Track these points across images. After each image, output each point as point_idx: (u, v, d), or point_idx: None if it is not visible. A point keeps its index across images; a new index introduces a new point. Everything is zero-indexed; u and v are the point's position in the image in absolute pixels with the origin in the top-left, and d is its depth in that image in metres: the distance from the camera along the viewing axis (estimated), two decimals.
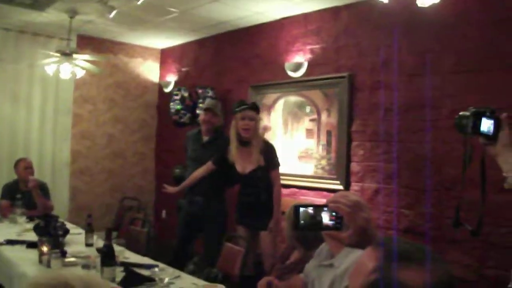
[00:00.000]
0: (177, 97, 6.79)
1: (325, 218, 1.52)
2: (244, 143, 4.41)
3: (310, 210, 1.53)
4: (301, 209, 1.53)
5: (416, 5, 3.66)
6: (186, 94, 6.84)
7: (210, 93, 6.63)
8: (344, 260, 2.11)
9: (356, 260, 1.23)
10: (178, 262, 4.25)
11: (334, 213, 1.51)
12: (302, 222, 1.53)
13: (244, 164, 4.42)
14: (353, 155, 5.10)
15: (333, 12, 5.41)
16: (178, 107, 6.72)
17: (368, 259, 1.13)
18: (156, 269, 3.17)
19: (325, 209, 1.52)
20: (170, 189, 4.83)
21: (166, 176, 7.50)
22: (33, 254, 3.46)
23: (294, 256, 2.94)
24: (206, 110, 4.76)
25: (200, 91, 6.64)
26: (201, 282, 2.99)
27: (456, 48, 4.30)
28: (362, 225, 1.47)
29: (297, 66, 5.68)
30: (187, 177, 4.89)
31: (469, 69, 4.21)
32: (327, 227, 1.53)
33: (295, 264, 2.70)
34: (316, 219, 1.53)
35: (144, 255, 3.80)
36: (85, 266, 3.17)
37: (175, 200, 6.59)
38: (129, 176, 8.05)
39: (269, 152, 4.40)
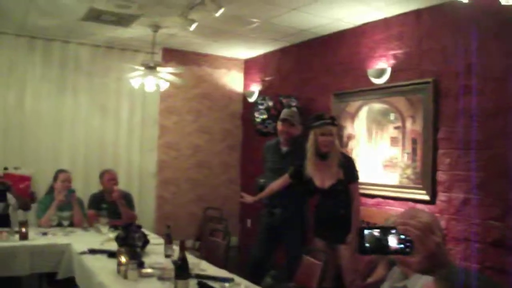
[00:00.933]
0: (262, 107, 6.84)
1: (393, 241, 1.45)
2: (322, 156, 4.35)
3: (376, 232, 1.46)
4: (366, 231, 1.47)
5: (502, 4, 3.47)
6: (271, 104, 6.88)
7: (295, 103, 6.62)
8: (418, 282, 2.03)
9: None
10: (257, 275, 4.25)
11: (402, 236, 1.45)
12: (367, 245, 1.46)
13: (323, 178, 4.37)
14: (439, 164, 4.93)
15: (415, 15, 5.26)
16: (264, 116, 6.76)
17: None
18: (227, 284, 3.17)
19: (393, 231, 1.46)
20: (248, 198, 4.87)
21: (251, 186, 7.53)
22: (113, 264, 3.55)
23: (377, 274, 2.82)
24: (283, 120, 4.75)
25: (284, 100, 6.65)
26: None
27: None
28: (432, 250, 1.39)
29: (380, 73, 5.57)
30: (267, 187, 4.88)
31: None
32: (395, 252, 1.46)
33: (377, 282, 2.61)
34: (381, 243, 1.46)
35: (222, 267, 3.81)
36: (161, 278, 3.23)
37: (259, 210, 6.63)
38: (214, 186, 8.17)
39: (348, 165, 4.33)
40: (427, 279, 1.51)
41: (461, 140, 4.72)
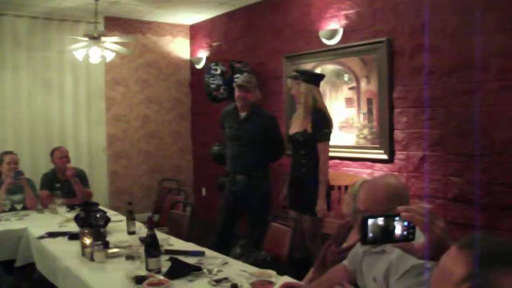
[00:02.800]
0: (216, 72, 6.73)
1: (397, 229, 1.43)
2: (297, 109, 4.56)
3: (381, 221, 1.43)
4: (370, 221, 1.43)
5: None
6: (224, 69, 6.79)
7: (247, 67, 6.56)
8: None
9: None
10: (223, 245, 4.24)
11: (406, 223, 1.42)
12: (371, 235, 1.44)
13: (294, 127, 4.49)
14: (396, 123, 5.00)
15: None
16: (218, 82, 6.70)
17: (454, 264, 1.01)
18: (202, 257, 3.15)
19: (397, 218, 1.43)
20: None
21: (204, 154, 7.53)
22: (75, 246, 3.47)
23: (352, 238, 2.82)
24: (239, 87, 4.70)
25: (236, 65, 6.58)
26: (251, 268, 2.94)
27: (502, 4, 4.12)
28: (439, 235, 1.37)
29: (332, 33, 5.56)
30: (228, 156, 4.86)
31: None
32: (398, 239, 1.44)
33: (352, 247, 2.61)
34: (386, 231, 1.43)
35: (187, 240, 3.78)
36: (129, 257, 3.17)
37: (215, 178, 6.61)
38: (167, 157, 8.12)
39: (317, 121, 4.33)
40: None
41: (417, 98, 4.79)
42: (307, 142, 4.35)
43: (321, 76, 4.60)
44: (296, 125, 4.45)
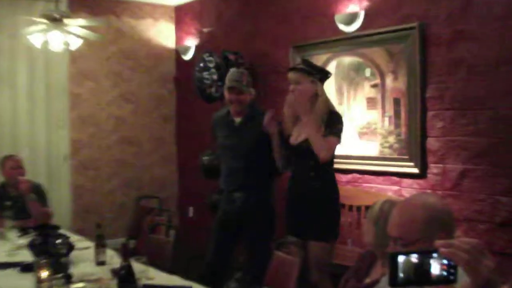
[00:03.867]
0: (212, 64, 6.72)
1: (434, 268, 1.43)
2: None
3: (414, 258, 1.43)
4: (401, 257, 1.44)
5: None
6: (219, 61, 6.74)
7: (244, 60, 6.57)
8: None
9: None
10: (215, 279, 4.21)
11: (445, 261, 1.42)
12: (402, 275, 1.44)
13: (298, 133, 4.37)
14: (429, 129, 4.97)
15: None
16: (214, 77, 6.65)
17: None
18: None
19: (435, 255, 1.43)
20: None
21: (192, 166, 7.49)
22: (29, 280, 3.34)
23: (376, 272, 2.80)
24: (230, 89, 4.68)
25: (231, 57, 6.57)
26: None
27: None
28: (486, 276, 1.35)
29: (351, 18, 5.55)
30: (222, 169, 4.84)
31: None
32: (436, 281, 1.44)
33: (376, 283, 2.58)
34: (421, 271, 1.44)
35: (170, 272, 3.73)
36: None
37: (205, 195, 6.58)
38: (146, 168, 8.10)
39: (330, 119, 4.27)
40: None
41: (456, 98, 4.76)
42: None
43: (330, 74, 4.57)
44: (302, 132, 4.36)
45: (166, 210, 5.86)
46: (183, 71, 7.96)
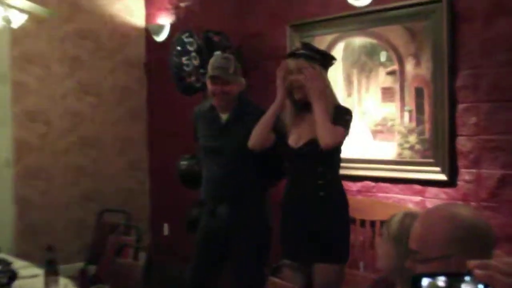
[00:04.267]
0: (192, 47, 6.68)
1: None
2: (301, 107, 4.36)
3: (442, 282, 1.42)
4: (426, 281, 1.43)
5: None
6: (201, 43, 6.72)
7: (229, 42, 6.57)
8: None
9: None
10: None
11: (481, 286, 1.40)
12: None
13: (299, 135, 4.35)
14: (460, 126, 4.95)
15: None
16: (195, 62, 6.62)
17: None
18: None
19: (467, 278, 1.41)
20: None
21: (167, 173, 7.47)
22: None
23: None
24: (213, 78, 4.67)
25: (215, 38, 6.56)
26: None
27: None
28: None
29: None
30: (205, 177, 4.86)
31: None
32: None
33: None
34: None
35: None
36: None
37: (183, 209, 6.58)
38: (109, 177, 8.09)
39: (337, 112, 4.28)
40: None
41: (493, 87, 4.75)
42: (326, 155, 4.26)
43: (334, 60, 4.57)
44: (304, 131, 4.35)
45: (135, 227, 5.81)
46: (155, 56, 7.98)
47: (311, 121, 4.25)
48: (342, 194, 4.35)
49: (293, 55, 4.42)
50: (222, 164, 4.69)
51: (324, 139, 4.09)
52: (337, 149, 4.30)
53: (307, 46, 4.54)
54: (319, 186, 4.27)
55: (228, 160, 4.67)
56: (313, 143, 4.22)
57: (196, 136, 4.95)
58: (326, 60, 4.42)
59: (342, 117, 4.26)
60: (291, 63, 4.33)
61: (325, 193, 4.27)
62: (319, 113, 4.12)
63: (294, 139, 4.35)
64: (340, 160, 4.35)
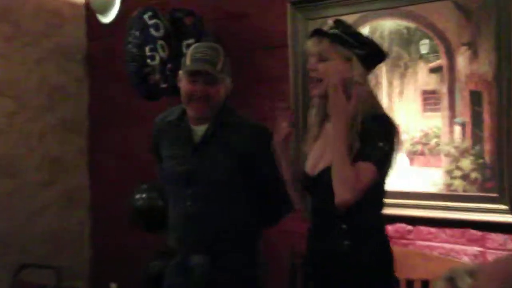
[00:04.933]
0: (158, 33, 6.62)
1: None
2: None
3: None
4: None
5: None
6: (169, 27, 6.73)
7: (204, 25, 6.60)
8: None
9: None
10: None
11: None
12: None
13: (318, 157, 4.31)
14: None
15: None
16: (163, 54, 6.55)
17: None
18: None
19: None
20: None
21: (116, 210, 7.42)
22: None
23: None
24: (193, 75, 4.65)
25: (188, 19, 6.54)
26: None
27: None
28: None
29: None
30: (172, 216, 4.88)
31: None
32: None
33: None
34: None
35: None
36: None
37: (139, 260, 6.58)
38: (32, 215, 8.04)
39: (371, 130, 4.14)
40: None
41: None
42: None
43: (384, 57, 4.44)
44: (325, 151, 4.29)
45: None
46: (101, 44, 8.02)
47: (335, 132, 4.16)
48: (382, 244, 4.28)
49: (317, 33, 4.32)
50: (196, 198, 4.68)
51: (339, 193, 3.99)
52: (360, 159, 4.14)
53: (343, 25, 4.36)
54: (342, 233, 4.22)
55: (205, 192, 4.67)
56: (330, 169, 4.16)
57: (158, 158, 4.96)
58: (370, 49, 4.25)
59: (374, 142, 4.10)
60: (311, 43, 4.26)
61: (352, 244, 4.21)
62: (336, 145, 4.00)
63: (312, 163, 4.33)
64: (381, 190, 4.22)
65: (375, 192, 4.16)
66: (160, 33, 6.54)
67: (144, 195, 6.44)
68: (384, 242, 4.27)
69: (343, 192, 3.93)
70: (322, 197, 4.26)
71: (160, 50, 6.46)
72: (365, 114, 4.11)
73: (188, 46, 6.05)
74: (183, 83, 4.66)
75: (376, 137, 4.08)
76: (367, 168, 4.02)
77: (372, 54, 4.25)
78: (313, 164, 4.30)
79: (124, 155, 7.68)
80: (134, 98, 6.76)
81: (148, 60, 6.47)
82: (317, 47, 4.18)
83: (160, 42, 6.48)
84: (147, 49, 6.50)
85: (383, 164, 4.10)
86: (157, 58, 6.48)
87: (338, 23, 4.36)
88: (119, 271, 7.85)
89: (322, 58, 4.16)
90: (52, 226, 8.09)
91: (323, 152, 4.25)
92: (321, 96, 4.25)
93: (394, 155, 4.17)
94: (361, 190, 4.02)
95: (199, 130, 4.73)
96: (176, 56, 6.05)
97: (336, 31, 4.23)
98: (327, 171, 4.10)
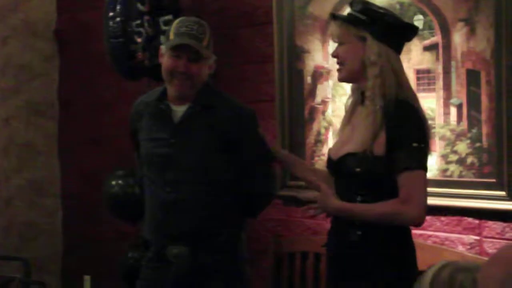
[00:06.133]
0: (144, 7, 6.49)
1: None
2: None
3: None
4: None
5: None
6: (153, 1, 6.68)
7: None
8: None
9: None
10: None
11: None
12: None
13: (346, 139, 4.37)
14: None
15: None
16: (150, 30, 6.54)
17: None
18: None
19: None
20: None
21: (88, 198, 7.45)
22: None
23: None
24: (177, 50, 4.68)
25: None
26: None
27: None
28: None
29: None
30: (148, 204, 4.87)
31: None
32: None
33: None
34: None
35: None
36: None
37: (114, 252, 6.64)
38: None
39: (399, 126, 4.16)
40: None
41: None
42: (369, 177, 4.25)
43: (412, 31, 4.48)
44: (351, 137, 4.35)
45: (39, 283, 5.80)
46: (73, 17, 7.98)
47: (360, 121, 4.25)
48: (398, 236, 4.27)
49: (332, 17, 4.43)
50: (176, 184, 4.68)
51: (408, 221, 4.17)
52: (388, 169, 4.15)
53: (357, 4, 4.29)
54: (354, 223, 4.26)
55: (185, 177, 4.67)
56: (354, 156, 4.21)
57: (136, 143, 4.96)
58: (383, 27, 4.20)
59: (407, 144, 4.09)
60: (331, 29, 4.44)
61: (363, 233, 4.23)
62: (369, 218, 4.11)
63: (337, 147, 4.41)
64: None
65: (391, 183, 4.17)
66: (145, 6, 6.54)
67: (120, 181, 6.42)
68: (405, 234, 4.31)
69: (411, 219, 4.12)
70: (341, 181, 4.36)
71: (146, 25, 6.50)
72: (388, 97, 4.13)
73: (166, 23, 6.09)
74: (165, 59, 4.66)
75: (408, 137, 4.12)
76: (415, 177, 4.09)
77: (390, 30, 4.24)
78: (337, 148, 4.37)
79: (97, 140, 7.65)
80: (109, 78, 6.76)
81: (135, 36, 6.52)
82: (335, 32, 4.30)
83: (146, 17, 6.51)
84: (134, 24, 6.54)
85: (425, 161, 4.16)
86: (143, 35, 6.51)
87: (353, 2, 4.35)
88: (92, 263, 7.80)
89: (341, 42, 4.26)
90: (21, 217, 8.10)
91: (350, 138, 4.31)
92: (344, 80, 4.42)
93: (429, 146, 4.26)
94: (422, 200, 4.10)
95: (180, 110, 4.72)
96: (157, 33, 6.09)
97: (350, 12, 4.29)
98: (348, 157, 4.20)
